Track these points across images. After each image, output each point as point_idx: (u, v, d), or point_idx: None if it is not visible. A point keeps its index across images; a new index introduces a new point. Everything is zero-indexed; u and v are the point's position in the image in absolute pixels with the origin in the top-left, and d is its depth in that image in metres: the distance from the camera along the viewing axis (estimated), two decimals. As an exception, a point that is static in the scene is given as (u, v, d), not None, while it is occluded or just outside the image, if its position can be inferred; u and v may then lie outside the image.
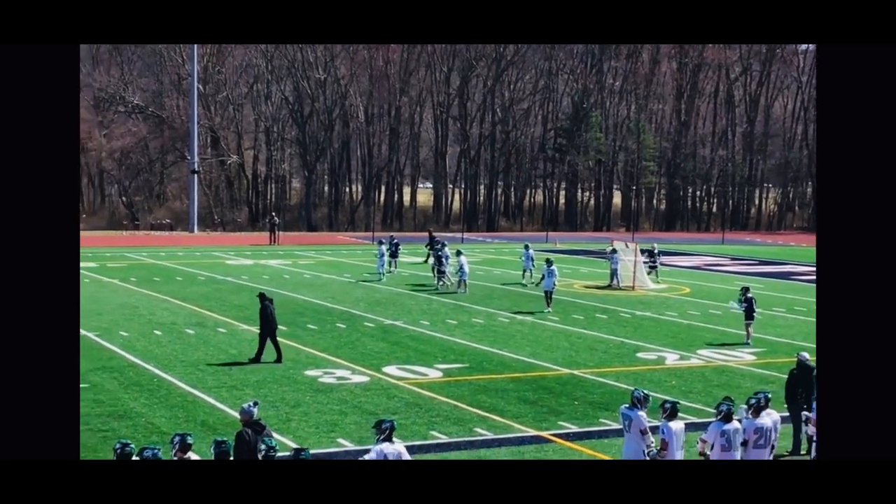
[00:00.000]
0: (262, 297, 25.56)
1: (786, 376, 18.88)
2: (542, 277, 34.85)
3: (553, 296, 34.29)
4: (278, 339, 25.24)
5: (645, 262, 42.84)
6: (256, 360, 24.64)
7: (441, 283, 39.63)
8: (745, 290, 29.82)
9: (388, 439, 13.09)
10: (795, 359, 18.76)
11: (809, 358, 18.33)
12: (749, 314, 29.08)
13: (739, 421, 14.26)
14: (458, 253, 40.31)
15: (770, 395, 14.96)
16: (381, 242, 44.88)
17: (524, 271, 42.77)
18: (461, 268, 38.70)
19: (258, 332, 25.35)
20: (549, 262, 35.11)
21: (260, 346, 24.93)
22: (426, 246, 48.67)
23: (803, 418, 17.20)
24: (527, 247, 43.87)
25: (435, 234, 54.81)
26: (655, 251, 44.10)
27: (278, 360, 24.62)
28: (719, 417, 14.08)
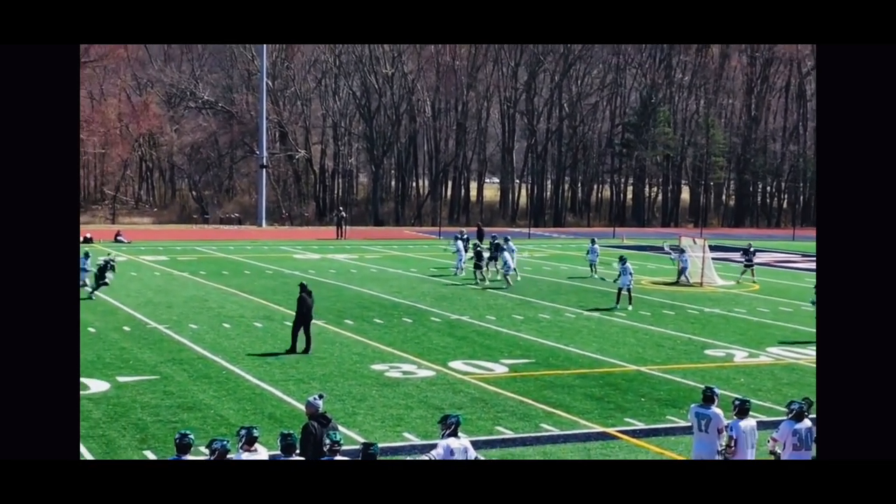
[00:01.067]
0: (302, 287, 26.07)
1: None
2: (619, 275, 34.45)
3: (625, 293, 33.96)
4: (311, 330, 25.56)
5: (741, 261, 43.25)
6: (292, 350, 25.09)
7: (481, 277, 39.58)
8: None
9: (454, 434, 13.09)
10: None
11: None
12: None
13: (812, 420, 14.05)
14: (500, 247, 40.34)
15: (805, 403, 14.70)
16: (457, 238, 45.09)
17: (591, 265, 42.62)
18: (505, 262, 38.79)
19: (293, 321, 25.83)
20: (622, 260, 34.82)
21: (293, 335, 25.35)
22: (477, 242, 48.06)
23: None
24: (593, 241, 43.72)
25: (484, 228, 54.99)
26: (751, 249, 43.27)
27: (306, 349, 25.01)
28: (790, 416, 13.89)
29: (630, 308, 33.30)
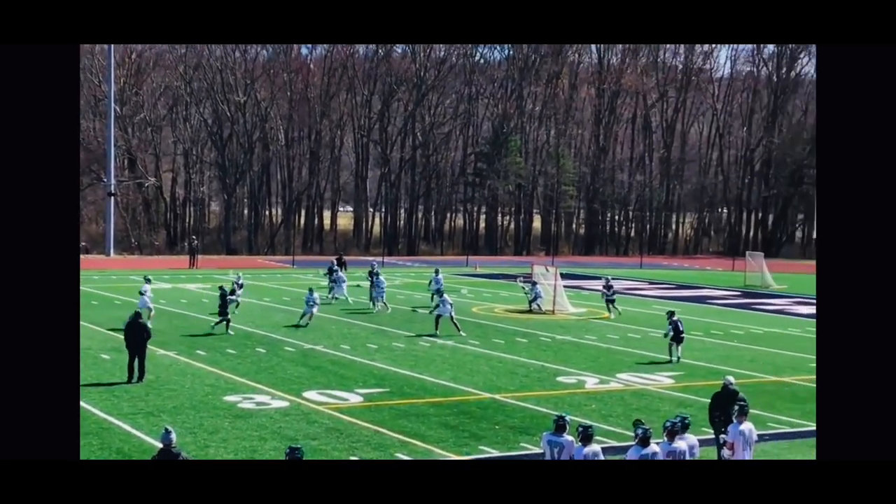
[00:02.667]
0: (136, 314, 26.27)
1: (704, 399, 19.09)
2: (437, 305, 34.88)
3: (443, 321, 33.95)
4: (146, 361, 25.33)
5: (603, 294, 41.05)
6: (129, 380, 24.81)
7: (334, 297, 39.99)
8: (671, 313, 30.62)
9: None
10: (721, 382, 18.91)
11: (734, 382, 18.58)
12: (677, 336, 29.83)
13: (657, 444, 14.38)
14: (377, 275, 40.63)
15: (689, 420, 15.14)
16: (336, 267, 45.77)
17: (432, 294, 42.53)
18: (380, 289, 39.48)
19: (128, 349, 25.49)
20: (441, 293, 35.96)
21: (129, 363, 25.10)
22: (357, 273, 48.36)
23: (721, 441, 17.39)
24: (437, 271, 44.05)
25: (344, 258, 55.02)
26: (610, 283, 41.40)
27: (139, 378, 24.80)
28: (637, 441, 14.16)
29: (463, 334, 33.57)
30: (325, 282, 46.83)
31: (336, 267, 46.37)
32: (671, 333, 29.99)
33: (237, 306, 37.20)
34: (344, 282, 43.91)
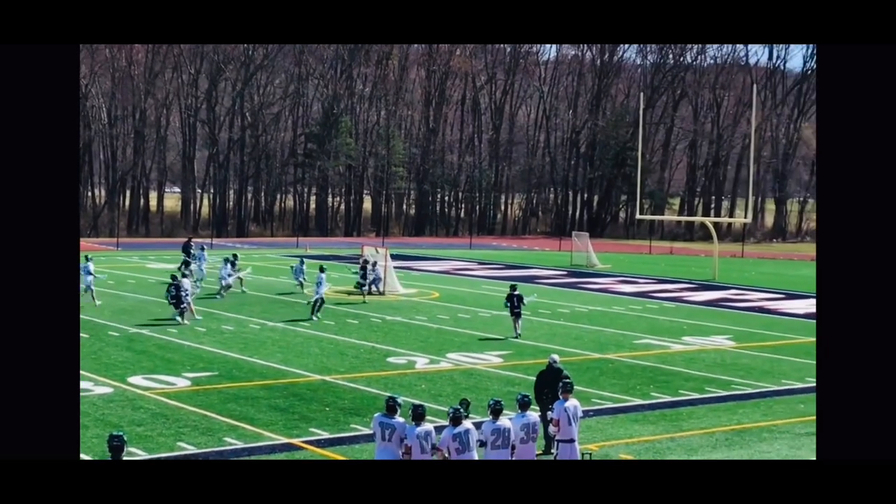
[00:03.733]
0: None
1: (532, 378, 19.42)
2: (319, 284, 34.58)
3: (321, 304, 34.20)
4: None
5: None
6: None
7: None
8: (513, 287, 31.80)
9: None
10: (546, 361, 19.27)
11: (559, 360, 18.96)
12: (516, 309, 30.88)
13: (478, 425, 14.60)
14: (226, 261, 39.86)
15: (529, 397, 15.41)
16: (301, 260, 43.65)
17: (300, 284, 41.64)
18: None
19: None
20: (322, 269, 35.35)
21: None
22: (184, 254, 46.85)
23: (548, 418, 17.74)
24: (302, 261, 42.95)
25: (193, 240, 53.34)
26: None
27: None
28: (449, 422, 14.32)
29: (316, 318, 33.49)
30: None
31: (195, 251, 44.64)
32: (508, 306, 31.02)
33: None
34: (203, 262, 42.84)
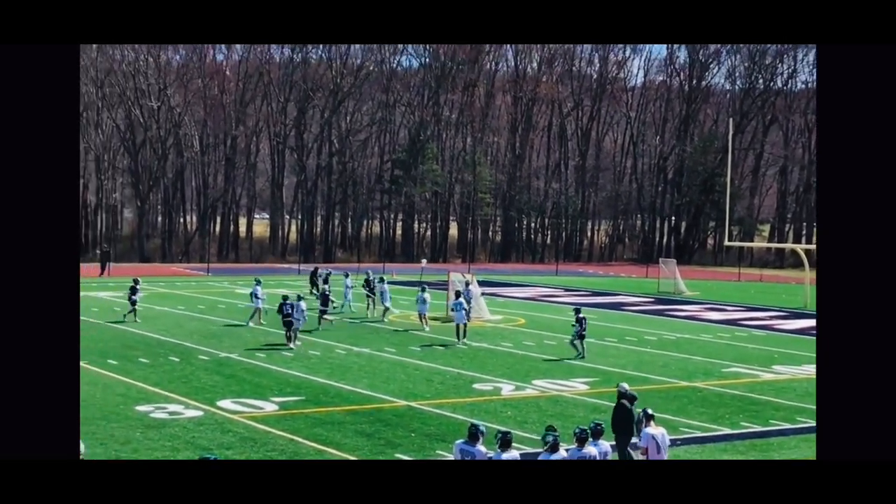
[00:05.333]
0: None
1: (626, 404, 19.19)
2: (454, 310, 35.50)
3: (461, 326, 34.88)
4: None
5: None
6: None
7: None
8: (577, 310, 32.37)
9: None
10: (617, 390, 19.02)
11: (629, 388, 18.75)
12: (580, 332, 31.67)
13: (566, 450, 14.50)
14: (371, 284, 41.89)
15: (602, 426, 15.28)
16: (346, 275, 45.48)
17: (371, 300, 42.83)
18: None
19: None
20: (458, 294, 36.39)
21: None
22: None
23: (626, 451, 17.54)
24: (346, 275, 44.66)
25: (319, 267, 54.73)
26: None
27: None
28: (546, 448, 14.22)
29: (465, 342, 34.26)
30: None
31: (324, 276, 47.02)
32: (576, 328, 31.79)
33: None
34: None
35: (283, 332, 32.77)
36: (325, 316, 37.78)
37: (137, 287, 38.48)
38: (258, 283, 39.29)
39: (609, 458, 15.00)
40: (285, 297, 33.86)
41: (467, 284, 41.54)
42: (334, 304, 40.64)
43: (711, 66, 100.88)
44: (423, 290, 38.29)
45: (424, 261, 66.33)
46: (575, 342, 31.90)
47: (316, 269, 53.04)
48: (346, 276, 45.30)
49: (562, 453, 14.17)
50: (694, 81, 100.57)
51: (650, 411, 16.16)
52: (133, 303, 37.96)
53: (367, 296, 42.82)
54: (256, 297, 37.96)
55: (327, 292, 39.28)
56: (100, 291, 50.23)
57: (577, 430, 14.69)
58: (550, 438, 14.17)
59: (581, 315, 32.09)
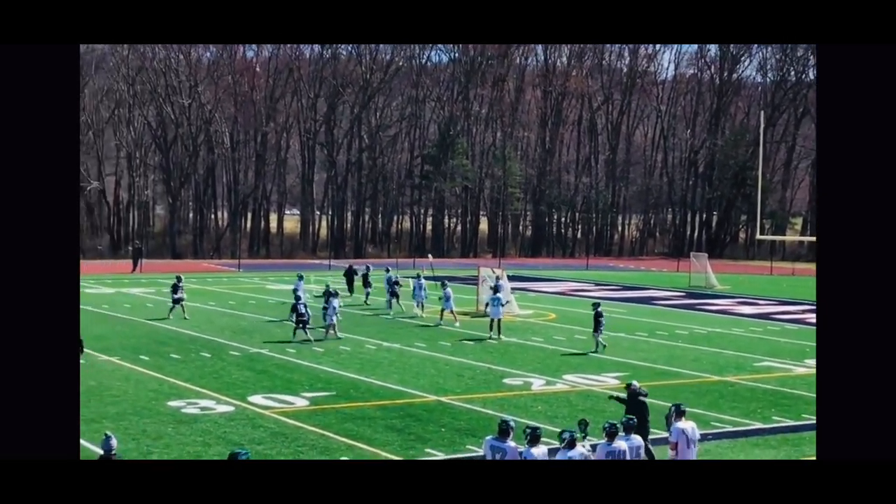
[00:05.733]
0: None
1: (648, 400, 19.12)
2: (490, 305, 35.47)
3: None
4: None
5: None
6: None
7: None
8: (596, 304, 32.37)
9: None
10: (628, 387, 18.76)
11: (639, 386, 18.58)
12: (597, 326, 31.78)
13: (594, 448, 14.46)
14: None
15: (634, 421, 15.23)
16: (387, 270, 45.40)
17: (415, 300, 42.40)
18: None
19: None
20: (495, 290, 36.14)
21: None
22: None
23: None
24: (388, 269, 44.36)
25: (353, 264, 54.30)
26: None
27: None
28: (563, 445, 14.15)
29: (500, 336, 34.27)
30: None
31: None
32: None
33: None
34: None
35: (300, 328, 32.84)
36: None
37: (180, 284, 38.34)
38: (301, 278, 39.33)
39: (641, 452, 14.94)
40: (327, 286, 34.61)
41: (497, 279, 41.40)
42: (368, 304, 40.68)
43: (743, 58, 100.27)
44: (445, 285, 38.35)
45: (430, 256, 66.12)
46: (596, 336, 31.99)
47: (350, 266, 51.68)
48: (388, 270, 45.22)
49: (579, 450, 14.11)
50: (725, 74, 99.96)
51: (683, 406, 16.08)
52: (175, 301, 37.71)
53: (390, 293, 42.33)
54: (297, 295, 37.62)
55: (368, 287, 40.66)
56: (132, 288, 50.51)
57: (606, 425, 14.65)
58: (567, 435, 14.14)
59: (598, 310, 32.10)
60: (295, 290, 37.61)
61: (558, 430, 20.55)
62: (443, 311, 37.87)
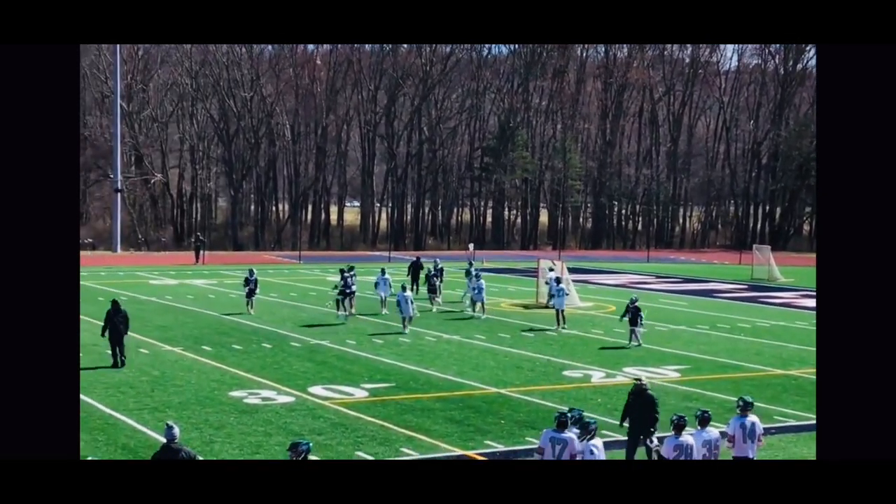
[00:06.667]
0: (114, 303, 26.97)
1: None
2: (553, 296, 35.69)
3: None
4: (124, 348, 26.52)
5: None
6: (114, 364, 26.00)
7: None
8: (634, 300, 31.98)
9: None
10: (635, 384, 18.40)
11: (646, 383, 18.30)
12: (634, 321, 31.30)
13: (660, 439, 14.42)
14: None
15: (709, 413, 15.17)
16: (470, 263, 45.26)
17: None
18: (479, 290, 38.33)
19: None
20: (558, 281, 36.30)
21: (112, 352, 26.28)
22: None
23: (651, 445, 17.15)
24: (473, 271, 43.13)
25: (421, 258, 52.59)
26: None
27: (114, 365, 25.95)
28: (587, 438, 14.23)
29: (565, 327, 34.38)
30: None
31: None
32: (627, 318, 31.50)
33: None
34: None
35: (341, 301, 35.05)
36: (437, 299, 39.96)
37: (251, 278, 37.74)
38: (383, 272, 39.20)
39: (719, 445, 14.83)
40: (404, 288, 34.48)
41: (550, 270, 41.37)
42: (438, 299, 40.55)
43: (808, 49, 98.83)
44: (478, 277, 38.40)
45: (471, 246, 65.88)
46: (634, 330, 31.44)
47: (417, 259, 48.80)
48: (470, 264, 44.96)
49: (596, 442, 14.13)
50: (790, 64, 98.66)
51: (749, 399, 15.91)
52: (248, 294, 37.44)
53: (431, 289, 40.93)
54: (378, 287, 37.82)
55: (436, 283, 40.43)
56: (195, 279, 51.06)
57: (674, 418, 14.56)
58: (675, 419, 14.40)
59: (635, 305, 31.39)
60: (376, 285, 38.21)
61: (617, 422, 20.52)
62: (475, 302, 38.13)
